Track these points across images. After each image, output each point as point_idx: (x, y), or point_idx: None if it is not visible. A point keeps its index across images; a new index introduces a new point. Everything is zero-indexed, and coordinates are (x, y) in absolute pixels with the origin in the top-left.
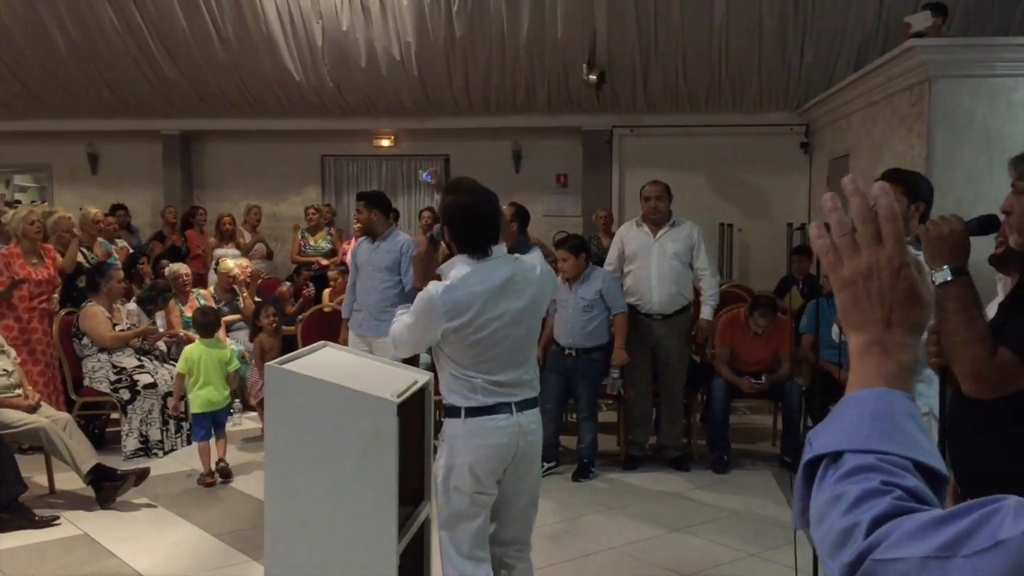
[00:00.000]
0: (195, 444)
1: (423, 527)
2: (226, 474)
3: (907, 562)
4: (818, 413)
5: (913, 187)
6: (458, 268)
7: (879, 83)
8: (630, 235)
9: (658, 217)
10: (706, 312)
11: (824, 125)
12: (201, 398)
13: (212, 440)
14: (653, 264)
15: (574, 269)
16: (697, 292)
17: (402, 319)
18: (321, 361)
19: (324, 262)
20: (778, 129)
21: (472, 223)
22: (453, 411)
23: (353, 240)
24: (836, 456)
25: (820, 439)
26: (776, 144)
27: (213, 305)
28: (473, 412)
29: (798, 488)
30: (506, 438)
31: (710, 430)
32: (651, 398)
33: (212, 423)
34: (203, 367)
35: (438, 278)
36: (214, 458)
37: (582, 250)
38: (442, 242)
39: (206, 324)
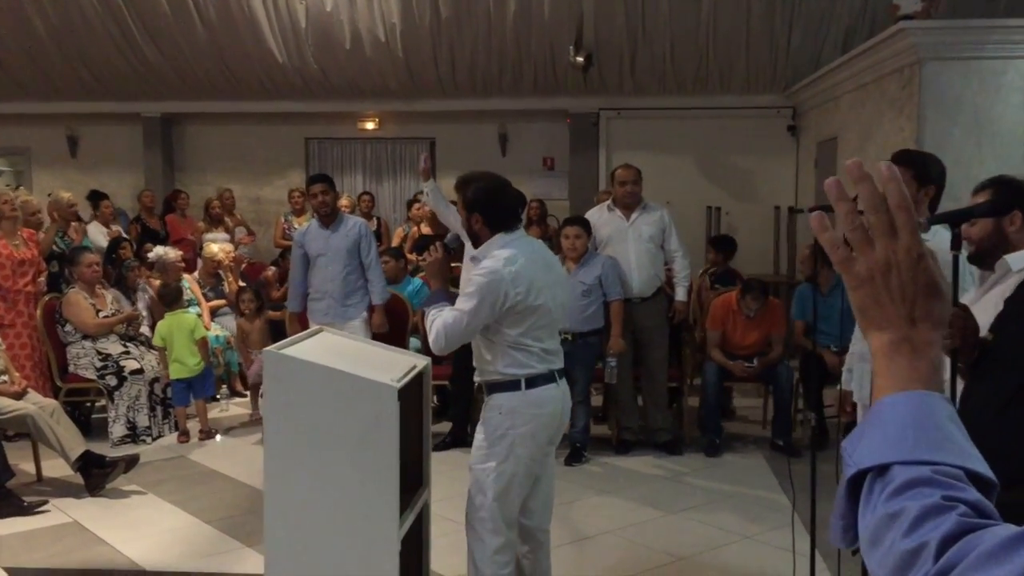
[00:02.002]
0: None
1: (422, 513)
2: (208, 435)
3: None
4: (812, 396)
5: (923, 170)
6: (498, 245)
7: (868, 65)
8: (602, 219)
9: (632, 201)
10: (680, 294)
11: (811, 108)
12: (175, 366)
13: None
14: (631, 248)
15: (584, 247)
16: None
17: (453, 312)
18: (319, 346)
19: None
20: (765, 112)
21: (502, 201)
22: (511, 384)
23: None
24: (883, 469)
25: (862, 451)
26: (763, 127)
27: (198, 290)
28: (532, 382)
29: (840, 505)
30: (559, 405)
31: (703, 414)
32: (633, 381)
33: (189, 388)
34: (174, 337)
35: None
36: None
37: (589, 231)
38: (454, 250)
39: (168, 296)
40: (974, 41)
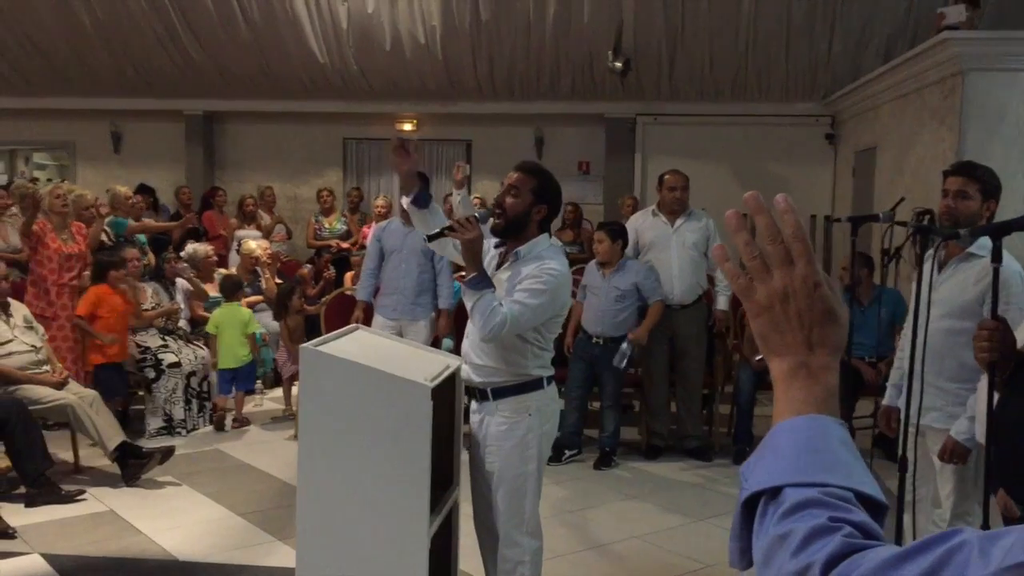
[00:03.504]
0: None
1: (451, 511)
2: (243, 423)
3: None
4: (845, 407)
5: (987, 184)
6: (544, 246)
7: (910, 75)
8: (646, 224)
9: (678, 208)
10: (722, 303)
11: (850, 117)
12: (224, 356)
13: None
14: (674, 254)
15: (608, 253)
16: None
17: (516, 304)
18: (354, 344)
19: (344, 244)
20: (803, 120)
21: (561, 204)
22: (536, 383)
23: (374, 223)
24: (775, 492)
25: (756, 474)
26: (801, 135)
27: None
28: (550, 380)
29: (736, 527)
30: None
31: (735, 422)
32: (668, 388)
33: (232, 380)
34: (225, 327)
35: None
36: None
37: (620, 236)
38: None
39: (229, 288)
40: (1019, 53)
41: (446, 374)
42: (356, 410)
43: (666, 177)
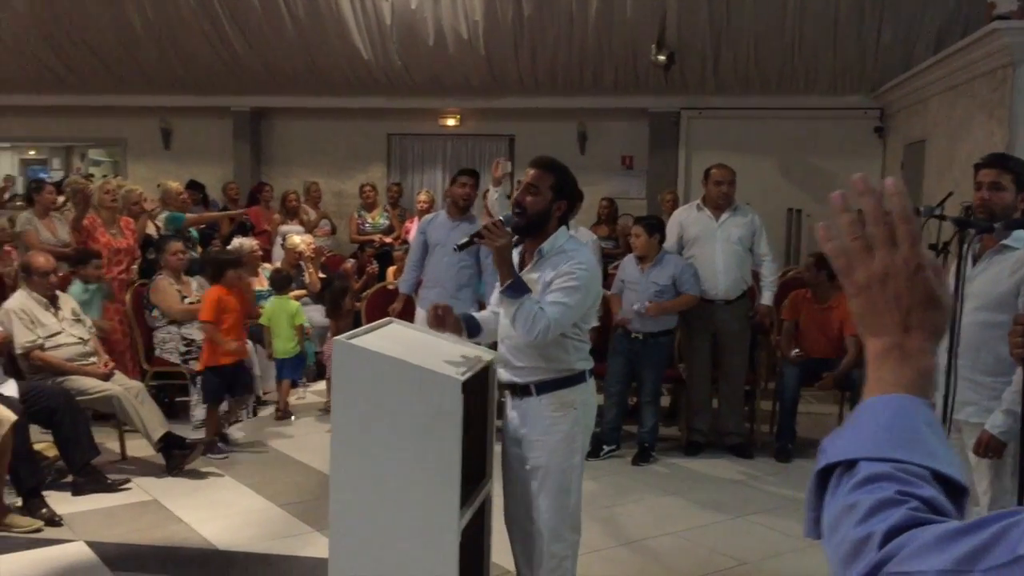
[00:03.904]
0: (259, 415)
1: (484, 505)
2: (286, 414)
3: (923, 575)
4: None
5: (1021, 175)
6: (564, 239)
7: (959, 66)
8: (690, 219)
9: (724, 202)
10: (766, 297)
11: (900, 109)
12: (276, 346)
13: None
14: (718, 249)
15: (645, 248)
16: (756, 277)
17: (556, 305)
18: (387, 337)
19: (386, 239)
20: (851, 113)
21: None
22: (579, 377)
23: (416, 218)
24: (851, 464)
25: (834, 447)
26: (849, 128)
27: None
28: (590, 373)
29: (810, 497)
30: None
31: (778, 418)
32: (710, 383)
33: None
34: (276, 319)
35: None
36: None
37: (657, 231)
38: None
39: (279, 281)
40: None
41: (478, 367)
42: (388, 403)
43: (712, 171)
